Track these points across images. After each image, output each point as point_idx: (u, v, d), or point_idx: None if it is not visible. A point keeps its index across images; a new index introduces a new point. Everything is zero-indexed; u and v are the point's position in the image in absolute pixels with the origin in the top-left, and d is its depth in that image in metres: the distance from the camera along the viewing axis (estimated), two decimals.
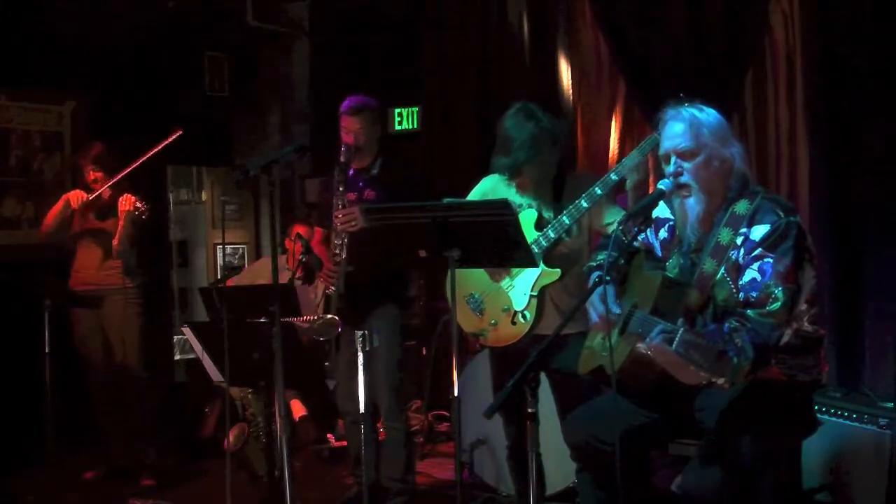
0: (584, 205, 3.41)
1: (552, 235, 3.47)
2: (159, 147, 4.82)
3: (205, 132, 6.64)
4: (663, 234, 3.03)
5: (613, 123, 5.55)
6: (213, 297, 4.48)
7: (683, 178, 2.81)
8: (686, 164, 2.80)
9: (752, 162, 3.05)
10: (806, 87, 4.65)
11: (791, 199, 4.51)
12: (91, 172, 4.88)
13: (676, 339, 2.49)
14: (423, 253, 3.18)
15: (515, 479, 3.88)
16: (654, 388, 2.85)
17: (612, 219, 3.52)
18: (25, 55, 5.62)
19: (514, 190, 3.60)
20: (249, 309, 3.87)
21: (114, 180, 4.82)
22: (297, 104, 7.16)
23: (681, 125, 2.81)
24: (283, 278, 4.64)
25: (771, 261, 2.67)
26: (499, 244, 3.06)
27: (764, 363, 2.65)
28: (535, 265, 3.40)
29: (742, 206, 2.78)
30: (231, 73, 6.86)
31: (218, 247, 7.31)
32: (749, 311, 2.67)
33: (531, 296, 3.52)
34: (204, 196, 7.55)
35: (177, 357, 6.53)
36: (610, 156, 5.54)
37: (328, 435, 5.44)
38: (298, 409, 5.53)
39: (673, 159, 2.83)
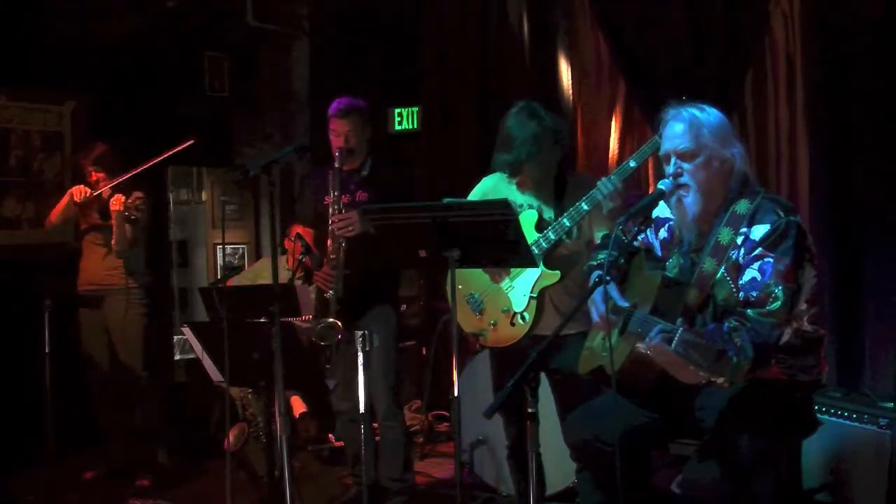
0: (585, 207, 3.42)
1: (552, 237, 3.48)
2: (169, 153, 4.84)
3: (205, 132, 6.63)
4: (663, 233, 3.04)
5: (613, 123, 5.56)
6: (213, 297, 4.48)
7: (683, 179, 2.81)
8: (686, 165, 2.80)
9: (752, 162, 3.04)
10: (806, 87, 4.65)
11: (791, 199, 4.50)
12: (93, 173, 4.88)
13: (675, 338, 2.50)
14: (423, 253, 3.18)
15: (515, 479, 3.88)
16: (654, 388, 2.85)
17: (604, 231, 3.50)
18: (25, 55, 5.62)
19: (515, 189, 3.60)
20: (249, 309, 3.87)
21: (116, 181, 4.82)
22: (297, 104, 7.16)
23: (681, 125, 2.81)
24: (284, 279, 4.63)
25: (771, 260, 2.67)
26: (499, 244, 3.06)
27: (764, 363, 2.65)
28: (536, 265, 3.40)
29: (742, 206, 2.78)
30: (231, 73, 6.86)
31: (218, 247, 7.30)
32: (749, 311, 2.67)
33: (530, 297, 3.52)
34: (204, 196, 7.54)
35: (177, 357, 6.52)
36: (610, 156, 5.55)
37: (328, 435, 5.44)
38: (299, 406, 5.53)
39: (673, 160, 2.83)
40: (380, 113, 6.64)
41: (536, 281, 3.51)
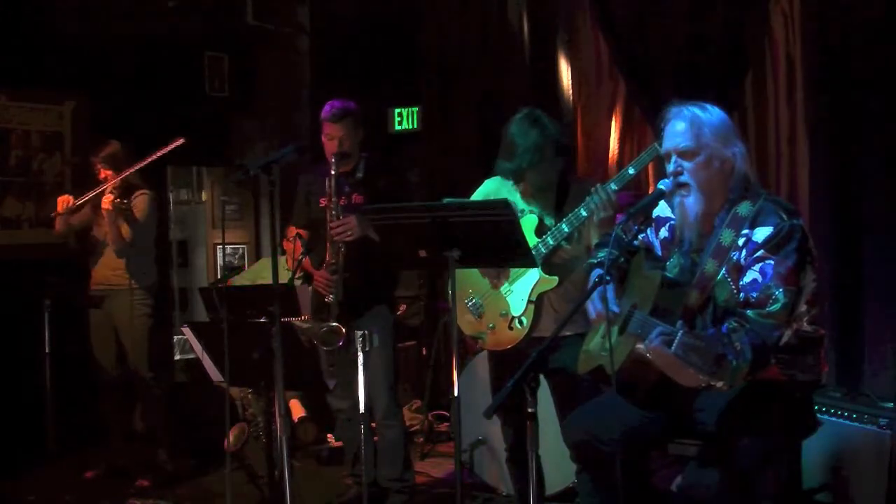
0: (584, 213, 3.41)
1: (551, 242, 3.48)
2: (159, 154, 4.81)
3: (205, 132, 6.64)
4: (664, 233, 3.03)
5: (613, 124, 5.56)
6: (213, 297, 4.48)
7: (683, 178, 2.81)
8: (686, 164, 2.80)
9: (752, 162, 3.03)
10: (806, 87, 4.65)
11: (791, 200, 4.51)
12: (102, 171, 4.88)
13: (675, 341, 2.49)
14: (423, 253, 3.18)
15: (515, 480, 3.88)
16: (654, 389, 2.85)
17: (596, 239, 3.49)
18: (25, 55, 5.62)
19: (517, 194, 3.60)
20: (249, 309, 3.87)
21: (112, 184, 4.80)
22: (297, 104, 7.16)
23: (682, 124, 2.81)
24: (284, 279, 4.64)
25: (772, 262, 2.67)
26: (499, 244, 3.06)
27: (762, 364, 2.65)
28: (536, 265, 3.40)
29: (744, 208, 2.78)
30: (231, 73, 6.86)
31: (218, 247, 7.31)
32: (749, 312, 2.67)
33: (529, 301, 3.52)
34: (204, 196, 7.54)
35: (177, 357, 6.52)
36: (610, 156, 5.55)
37: (328, 435, 5.44)
38: (297, 411, 5.53)
39: (673, 158, 2.83)
40: (380, 113, 6.65)
41: (535, 286, 3.51)
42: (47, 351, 4.79)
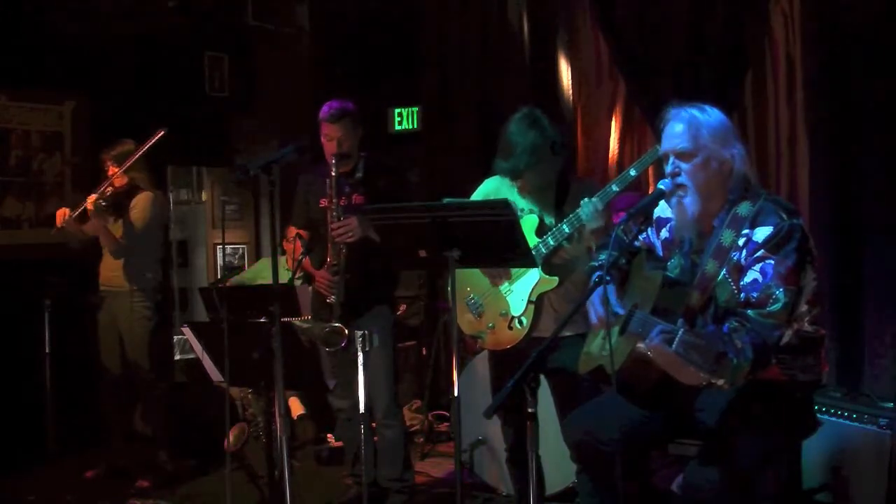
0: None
1: (551, 243, 3.48)
2: (144, 148, 4.78)
3: (205, 132, 6.65)
4: (665, 234, 3.04)
5: (613, 123, 5.56)
6: (213, 297, 4.48)
7: (680, 179, 2.81)
8: (683, 165, 2.81)
9: (752, 162, 3.03)
10: (806, 87, 4.65)
11: (791, 200, 4.51)
12: (111, 168, 4.88)
13: (676, 339, 2.50)
14: (423, 253, 3.18)
15: (515, 480, 3.88)
16: (655, 388, 2.85)
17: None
18: (25, 55, 5.62)
19: (517, 192, 3.60)
20: (249, 309, 3.87)
21: (106, 184, 4.78)
22: (297, 104, 7.16)
23: (680, 126, 2.81)
24: (284, 279, 4.64)
25: (773, 262, 2.67)
26: (499, 244, 3.06)
27: (763, 364, 2.65)
28: (536, 265, 3.40)
29: (744, 208, 2.78)
30: (231, 73, 6.87)
31: (218, 247, 7.31)
32: (749, 312, 2.67)
33: (529, 302, 3.52)
34: (204, 196, 7.54)
35: (177, 357, 6.53)
36: (610, 156, 5.55)
37: (328, 435, 5.45)
38: (297, 408, 5.53)
39: (671, 159, 2.84)
40: (380, 113, 6.65)
41: (535, 286, 3.51)
42: (47, 351, 4.79)
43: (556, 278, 3.50)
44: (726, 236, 2.78)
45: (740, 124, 4.86)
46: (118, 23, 5.96)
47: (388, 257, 3.70)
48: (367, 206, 4.03)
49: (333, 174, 4.03)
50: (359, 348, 3.32)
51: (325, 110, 4.12)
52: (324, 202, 4.11)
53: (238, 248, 7.39)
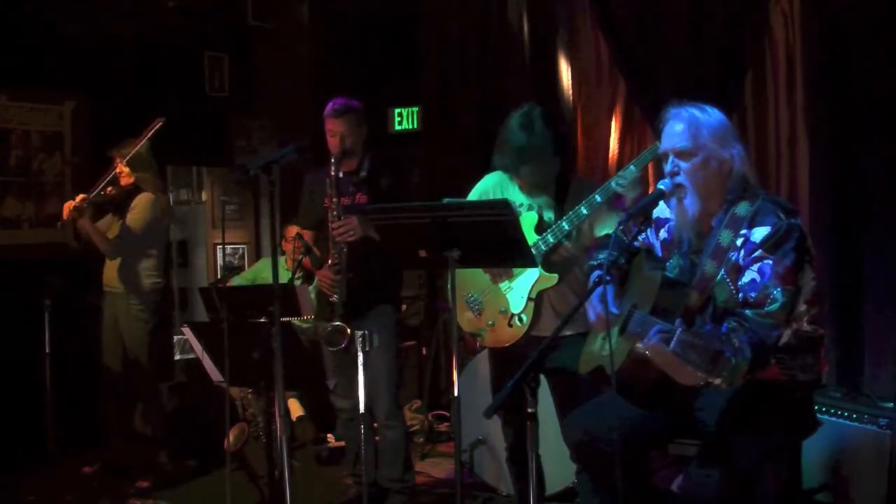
0: (584, 211, 3.42)
1: (551, 240, 3.48)
2: (144, 138, 4.78)
3: (205, 132, 6.65)
4: (664, 234, 3.04)
5: (613, 123, 5.56)
6: (213, 297, 4.48)
7: (679, 179, 2.81)
8: (683, 164, 2.81)
9: (752, 162, 3.04)
10: (806, 87, 4.65)
11: (791, 200, 4.51)
12: (119, 166, 4.87)
13: (674, 339, 2.49)
14: (423, 253, 3.18)
15: (515, 480, 3.88)
16: (654, 388, 2.85)
17: (606, 231, 3.50)
18: (25, 55, 5.62)
19: (516, 188, 3.60)
20: (249, 309, 3.86)
21: (103, 183, 4.78)
22: (297, 104, 7.16)
23: (680, 125, 2.81)
24: (283, 279, 4.64)
25: (770, 262, 2.67)
26: (499, 244, 3.06)
27: (762, 363, 2.65)
28: (536, 265, 3.41)
29: (743, 208, 2.78)
30: (231, 72, 6.87)
31: (218, 247, 7.31)
32: (747, 312, 2.67)
33: (528, 299, 3.52)
34: (204, 196, 7.54)
35: (177, 357, 6.52)
36: (610, 156, 5.55)
37: (328, 435, 5.45)
38: (296, 410, 5.53)
39: (670, 158, 2.84)
40: (380, 113, 6.65)
41: (535, 283, 3.52)
42: (47, 351, 4.78)
43: (556, 275, 3.51)
44: (724, 236, 2.78)
45: (740, 124, 4.85)
46: (118, 23, 5.96)
47: (389, 257, 3.70)
48: (366, 206, 4.03)
49: (333, 173, 4.03)
50: (359, 348, 3.32)
51: (329, 106, 4.14)
52: (326, 201, 4.12)
53: (238, 248, 7.39)
